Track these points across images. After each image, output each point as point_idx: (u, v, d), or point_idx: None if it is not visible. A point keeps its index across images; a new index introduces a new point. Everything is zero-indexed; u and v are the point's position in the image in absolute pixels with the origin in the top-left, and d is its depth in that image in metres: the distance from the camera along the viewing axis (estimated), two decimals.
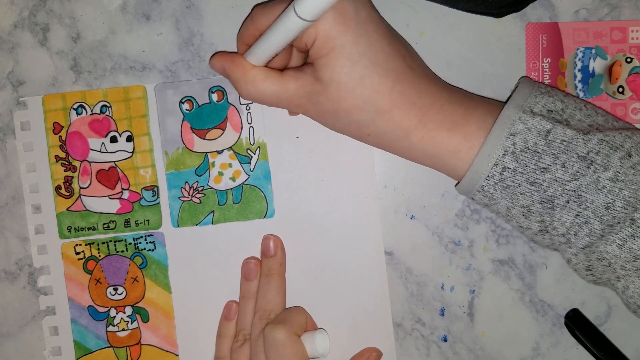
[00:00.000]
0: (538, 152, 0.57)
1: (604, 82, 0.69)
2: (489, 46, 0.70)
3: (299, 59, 0.66)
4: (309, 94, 0.60)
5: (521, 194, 0.59)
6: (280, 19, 0.56)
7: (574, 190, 0.57)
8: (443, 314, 0.73)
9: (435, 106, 0.60)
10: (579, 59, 0.70)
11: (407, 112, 0.60)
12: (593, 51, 0.69)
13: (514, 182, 0.58)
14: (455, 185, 0.63)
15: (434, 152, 0.61)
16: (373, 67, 0.58)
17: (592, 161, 0.57)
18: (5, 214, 0.73)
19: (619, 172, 0.57)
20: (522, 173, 0.58)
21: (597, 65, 0.70)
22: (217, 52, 0.67)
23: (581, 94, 0.70)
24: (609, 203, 0.57)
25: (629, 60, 0.69)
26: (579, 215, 0.58)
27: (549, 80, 0.70)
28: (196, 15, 0.70)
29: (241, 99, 0.70)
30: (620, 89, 0.69)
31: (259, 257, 0.72)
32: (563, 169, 0.57)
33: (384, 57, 0.59)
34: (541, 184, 0.58)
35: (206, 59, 0.71)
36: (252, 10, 0.62)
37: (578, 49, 0.70)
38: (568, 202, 0.58)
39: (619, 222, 0.57)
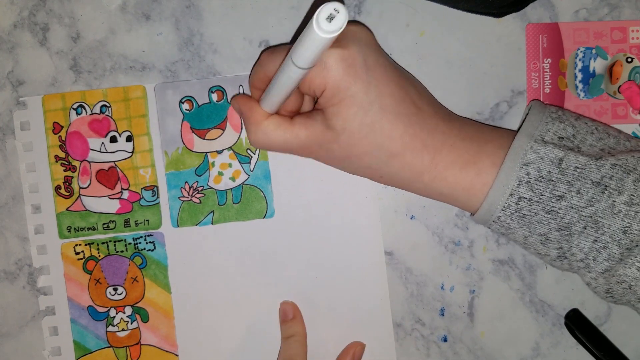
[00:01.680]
0: (552, 181, 0.58)
1: (605, 82, 0.69)
2: (489, 46, 0.70)
3: (311, 101, 0.66)
4: (320, 142, 0.60)
5: (538, 222, 0.59)
6: (281, 67, 0.56)
7: (591, 216, 0.57)
8: (443, 314, 0.73)
9: (447, 145, 0.61)
10: (580, 59, 0.70)
11: (419, 154, 0.60)
12: (593, 51, 0.69)
13: (530, 211, 0.59)
14: (471, 215, 0.63)
15: (448, 191, 0.61)
16: (384, 113, 0.58)
17: (606, 186, 0.57)
18: (5, 214, 0.73)
19: (634, 196, 0.57)
20: (538, 202, 0.58)
21: (598, 65, 0.70)
22: (238, 95, 0.68)
23: (582, 94, 0.70)
24: (626, 227, 0.57)
25: (629, 60, 0.69)
26: (596, 241, 0.58)
27: (550, 81, 0.70)
28: (196, 15, 0.70)
29: None
30: None
31: (259, 257, 0.72)
32: (578, 195, 0.57)
33: (393, 102, 0.59)
34: (557, 212, 0.58)
35: (206, 59, 0.71)
36: (260, 56, 0.64)
37: (578, 49, 0.70)
38: (585, 228, 0.58)
39: (637, 245, 0.57)
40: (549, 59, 0.70)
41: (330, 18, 0.47)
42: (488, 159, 0.60)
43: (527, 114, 0.63)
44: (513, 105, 0.71)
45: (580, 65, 0.70)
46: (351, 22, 0.62)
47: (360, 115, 0.58)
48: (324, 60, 0.57)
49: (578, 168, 0.58)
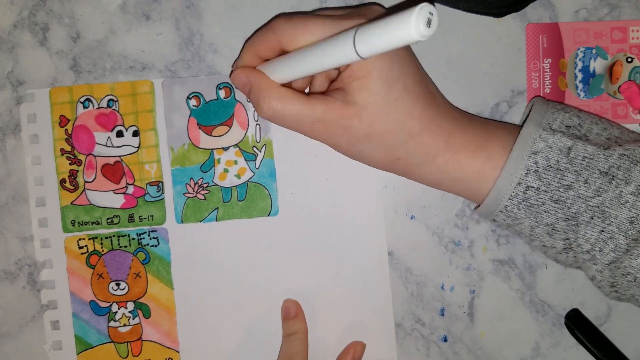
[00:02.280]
0: (560, 170, 0.58)
1: (605, 82, 0.70)
2: (489, 46, 0.71)
3: (322, 82, 0.65)
4: (339, 118, 0.59)
5: (545, 212, 0.59)
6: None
7: (598, 206, 0.58)
8: (443, 314, 0.73)
9: (460, 129, 0.61)
10: (580, 59, 0.70)
11: (435, 136, 0.60)
12: (593, 51, 0.70)
13: (537, 200, 0.59)
14: (475, 208, 0.63)
15: (459, 175, 0.61)
16: (406, 91, 0.59)
17: (613, 176, 0.58)
18: (5, 214, 0.72)
19: None
20: (545, 191, 0.59)
21: (598, 65, 0.70)
22: (239, 67, 0.65)
23: (582, 94, 0.70)
24: (633, 217, 0.57)
25: (629, 60, 0.69)
26: (603, 231, 0.58)
27: (550, 81, 0.71)
28: (196, 15, 0.71)
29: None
30: None
31: (262, 255, 0.72)
32: (586, 185, 0.58)
33: (414, 82, 0.60)
34: (565, 202, 0.58)
35: (206, 59, 0.71)
36: (274, 21, 0.61)
37: (578, 49, 0.70)
38: (592, 218, 0.58)
39: None
40: (549, 59, 0.71)
41: (428, 22, 0.44)
42: (498, 144, 0.61)
43: (531, 108, 0.64)
44: (513, 105, 0.71)
45: (580, 65, 0.70)
46: (373, 3, 0.63)
47: (384, 90, 0.58)
48: None
49: (586, 158, 0.58)
